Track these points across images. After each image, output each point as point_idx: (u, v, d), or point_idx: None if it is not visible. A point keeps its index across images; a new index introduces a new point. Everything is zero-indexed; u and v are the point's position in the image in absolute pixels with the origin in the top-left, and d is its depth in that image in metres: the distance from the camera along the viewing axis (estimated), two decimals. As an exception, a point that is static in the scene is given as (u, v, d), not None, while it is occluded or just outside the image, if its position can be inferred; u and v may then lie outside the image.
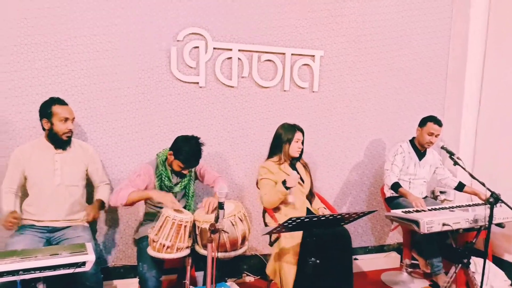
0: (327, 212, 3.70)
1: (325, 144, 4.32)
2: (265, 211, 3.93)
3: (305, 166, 3.86)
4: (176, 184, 3.52)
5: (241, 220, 3.09)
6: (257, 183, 3.77)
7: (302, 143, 3.62)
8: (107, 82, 3.56)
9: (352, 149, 4.51)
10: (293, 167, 3.80)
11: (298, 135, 3.66)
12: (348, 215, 3.01)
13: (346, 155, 4.52)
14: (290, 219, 2.81)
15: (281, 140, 3.74)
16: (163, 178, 3.41)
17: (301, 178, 3.71)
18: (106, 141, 3.89)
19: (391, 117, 4.48)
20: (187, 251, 3.01)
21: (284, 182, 3.42)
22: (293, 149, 3.65)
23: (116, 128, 3.88)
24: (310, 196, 3.86)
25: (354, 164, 4.49)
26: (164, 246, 2.91)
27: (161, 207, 3.43)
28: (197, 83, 3.96)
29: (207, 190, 4.29)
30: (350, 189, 4.55)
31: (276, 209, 3.70)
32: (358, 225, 4.62)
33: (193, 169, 3.54)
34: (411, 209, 3.80)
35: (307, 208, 3.67)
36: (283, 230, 2.92)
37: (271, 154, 3.81)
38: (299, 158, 3.80)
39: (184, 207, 3.58)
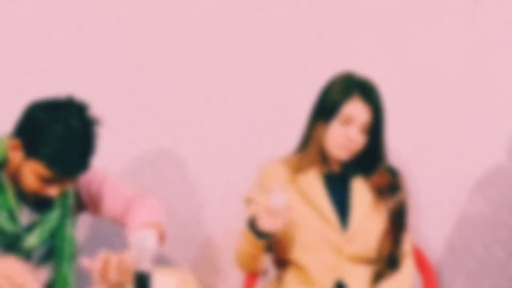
0: None
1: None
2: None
3: (382, 187, 2.35)
4: (30, 227, 2.20)
5: None
6: None
7: (375, 130, 2.24)
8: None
9: (479, 147, 3.07)
10: (333, 181, 2.32)
11: (355, 106, 2.21)
12: None
13: (467, 157, 3.06)
14: None
15: (315, 115, 2.33)
16: None
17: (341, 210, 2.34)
18: None
19: None
20: None
21: (250, 221, 2.16)
22: (337, 140, 2.22)
23: None
24: (381, 264, 2.36)
25: (478, 177, 3.03)
26: None
27: None
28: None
29: (112, 240, 2.83)
30: (464, 235, 3.10)
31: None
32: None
33: (71, 188, 2.27)
34: None
35: (339, 284, 2.28)
36: None
37: (301, 147, 2.39)
38: (362, 166, 2.34)
39: (51, 286, 2.28)
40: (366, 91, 2.18)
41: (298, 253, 2.19)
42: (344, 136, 2.13)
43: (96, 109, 2.17)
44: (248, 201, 2.25)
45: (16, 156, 2.04)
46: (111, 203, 2.29)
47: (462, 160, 2.86)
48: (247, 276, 2.39)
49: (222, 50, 2.83)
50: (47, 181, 2.03)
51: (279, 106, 2.81)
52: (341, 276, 2.17)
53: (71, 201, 2.21)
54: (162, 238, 2.05)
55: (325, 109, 2.19)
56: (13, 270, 2.00)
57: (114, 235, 2.77)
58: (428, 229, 2.78)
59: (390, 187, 2.28)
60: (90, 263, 2.02)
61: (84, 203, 2.29)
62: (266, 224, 2.05)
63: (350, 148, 2.16)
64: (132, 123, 2.84)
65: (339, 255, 2.17)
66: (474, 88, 2.86)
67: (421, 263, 2.44)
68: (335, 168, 2.24)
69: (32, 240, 2.14)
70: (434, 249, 2.87)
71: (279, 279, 2.28)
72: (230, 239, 2.43)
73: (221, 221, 2.85)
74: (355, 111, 2.15)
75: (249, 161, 2.69)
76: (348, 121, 2.14)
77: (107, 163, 2.27)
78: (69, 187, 2.18)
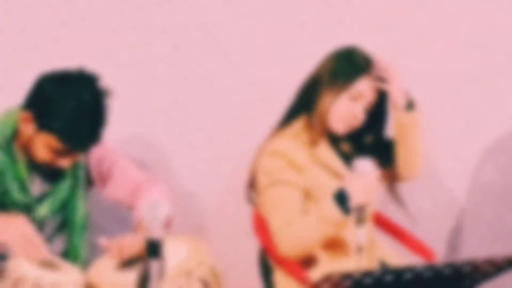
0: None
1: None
2: (271, 262, 2.46)
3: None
4: (41, 198, 2.24)
5: (205, 285, 2.09)
6: (251, 191, 2.43)
7: (380, 112, 2.30)
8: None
9: (489, 116, 3.09)
10: (339, 149, 2.36)
11: (366, 85, 2.22)
12: (467, 269, 1.92)
13: (478, 126, 3.07)
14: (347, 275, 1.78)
15: (317, 85, 2.28)
16: (7, 184, 2.20)
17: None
18: None
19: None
20: None
21: (340, 195, 2.13)
22: (341, 113, 2.23)
23: None
24: None
25: (488, 145, 3.05)
26: None
27: (3, 258, 2.18)
28: None
29: (124, 212, 2.72)
30: (475, 202, 3.14)
31: (308, 262, 2.30)
32: None
33: (82, 160, 2.31)
34: None
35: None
36: None
37: (288, 117, 2.38)
38: (364, 147, 2.40)
39: (64, 255, 2.33)
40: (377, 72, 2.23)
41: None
42: (349, 111, 2.17)
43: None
44: (282, 183, 2.22)
45: (28, 129, 2.09)
46: (120, 184, 2.35)
47: (473, 129, 2.89)
48: (299, 266, 2.25)
49: (208, 42, 2.84)
50: (59, 153, 2.08)
51: (266, 95, 2.81)
52: (380, 256, 2.27)
53: (82, 173, 2.28)
54: (169, 223, 2.10)
55: (338, 80, 2.21)
56: (22, 232, 2.09)
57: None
58: (441, 195, 2.81)
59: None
60: (107, 243, 2.13)
61: (93, 179, 2.36)
62: (359, 196, 2.11)
63: (351, 124, 2.20)
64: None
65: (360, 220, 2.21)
66: (483, 58, 2.87)
67: (402, 236, 2.46)
68: (338, 136, 2.29)
69: (43, 210, 2.21)
70: (447, 215, 2.92)
71: (313, 262, 2.30)
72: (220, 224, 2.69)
73: (212, 209, 2.94)
74: (367, 88, 2.19)
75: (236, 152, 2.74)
76: (357, 97, 2.17)
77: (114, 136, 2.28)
78: (81, 159, 2.25)
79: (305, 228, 2.16)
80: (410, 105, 2.14)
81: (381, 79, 2.22)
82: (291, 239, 2.17)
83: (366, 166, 2.12)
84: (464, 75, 2.84)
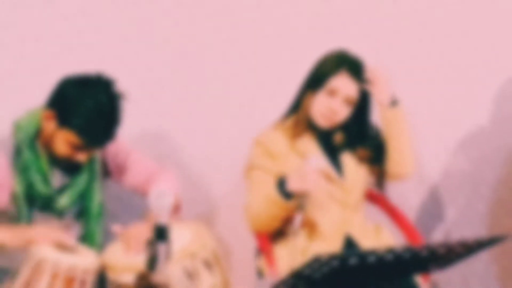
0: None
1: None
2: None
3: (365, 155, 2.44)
4: (62, 190, 2.31)
5: (207, 266, 2.19)
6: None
7: (361, 106, 2.35)
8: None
9: (462, 112, 3.06)
10: (325, 142, 2.41)
11: (341, 80, 2.28)
12: (446, 250, 1.90)
13: (451, 121, 3.07)
14: (313, 261, 1.79)
15: (303, 87, 2.40)
16: (31, 178, 2.27)
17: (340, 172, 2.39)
18: None
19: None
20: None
21: (280, 183, 2.21)
22: (320, 109, 2.30)
23: None
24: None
25: (461, 138, 3.05)
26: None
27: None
28: None
29: (135, 201, 2.77)
30: (448, 190, 3.14)
31: (279, 235, 2.44)
32: (469, 273, 3.15)
33: (98, 155, 2.38)
34: None
35: (348, 239, 2.37)
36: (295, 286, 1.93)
37: (285, 116, 2.47)
38: (352, 140, 2.42)
39: (81, 240, 2.41)
40: (354, 66, 2.28)
41: (310, 212, 2.31)
42: (328, 107, 2.25)
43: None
44: (259, 168, 2.35)
45: (50, 125, 2.17)
46: (135, 173, 2.45)
47: (447, 124, 2.91)
48: (261, 237, 2.43)
49: (211, 27, 2.82)
50: (77, 148, 2.18)
51: (272, 82, 2.82)
52: (349, 231, 2.32)
53: (98, 166, 2.37)
54: (177, 207, 2.18)
55: (314, 80, 2.31)
56: (47, 231, 2.18)
57: (135, 196, 2.77)
58: (416, 184, 2.86)
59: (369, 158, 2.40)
60: (119, 230, 2.23)
61: (110, 171, 2.45)
62: (297, 184, 2.17)
63: (331, 119, 2.28)
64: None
65: (345, 208, 2.32)
66: (455, 56, 2.89)
67: (403, 223, 2.54)
68: (323, 130, 2.33)
69: (64, 201, 2.30)
70: (421, 201, 2.98)
71: (294, 237, 2.37)
72: (227, 206, 2.61)
73: (220, 191, 2.96)
74: (341, 84, 2.25)
75: (241, 131, 2.76)
76: (332, 93, 2.24)
77: (125, 132, 2.31)
78: (97, 154, 2.33)
79: (259, 207, 2.30)
80: (393, 103, 2.20)
81: (366, 80, 2.26)
82: (251, 215, 2.34)
83: (314, 161, 2.21)
84: (439, 72, 2.88)
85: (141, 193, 2.44)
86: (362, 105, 2.34)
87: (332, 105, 2.25)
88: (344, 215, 2.34)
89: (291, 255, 2.37)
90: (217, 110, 2.94)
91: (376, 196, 2.60)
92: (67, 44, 2.75)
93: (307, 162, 2.20)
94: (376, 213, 2.73)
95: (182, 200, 2.35)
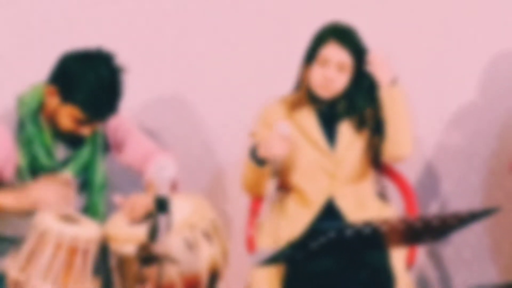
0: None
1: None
2: None
3: (363, 121, 2.42)
4: (65, 162, 2.34)
5: (207, 237, 2.21)
6: None
7: (355, 70, 2.34)
8: None
9: (456, 87, 3.02)
10: (324, 116, 2.43)
11: (330, 49, 2.32)
12: (440, 221, 1.89)
13: (445, 96, 3.05)
14: (311, 232, 2.02)
15: (303, 60, 2.42)
16: (35, 151, 2.26)
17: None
18: None
19: None
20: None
21: (253, 150, 2.29)
22: (316, 80, 2.33)
23: None
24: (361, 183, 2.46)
25: (455, 113, 3.02)
26: (40, 295, 2.12)
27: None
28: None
29: (138, 174, 2.69)
30: (443, 163, 3.10)
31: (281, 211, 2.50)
32: (461, 244, 3.13)
33: (100, 127, 2.37)
34: None
35: (330, 204, 2.39)
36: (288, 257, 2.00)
37: (294, 89, 2.50)
38: (348, 108, 2.41)
39: (85, 211, 2.41)
40: (341, 34, 2.32)
41: (297, 179, 2.38)
42: (322, 76, 2.29)
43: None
44: (253, 135, 2.41)
45: (53, 101, 2.17)
46: (132, 152, 2.45)
47: (441, 98, 2.94)
48: (252, 200, 2.54)
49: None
50: (81, 122, 2.18)
51: (286, 48, 2.78)
52: (332, 195, 2.37)
53: (100, 139, 2.37)
54: (174, 187, 2.17)
55: (308, 54, 2.37)
56: (47, 192, 2.17)
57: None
58: (411, 157, 2.70)
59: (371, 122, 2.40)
60: (121, 200, 2.24)
61: (110, 146, 2.43)
62: (265, 149, 2.22)
63: (328, 87, 2.31)
64: (151, 67, 2.82)
65: (332, 179, 2.36)
66: (449, 31, 2.89)
67: (403, 186, 2.55)
68: (325, 104, 2.37)
69: (67, 172, 2.30)
70: (416, 175, 2.97)
71: (282, 202, 2.47)
72: (239, 169, 2.50)
73: (232, 154, 2.92)
74: (330, 52, 2.29)
75: (255, 102, 2.69)
76: (324, 63, 2.29)
77: (127, 105, 2.32)
78: (99, 127, 2.32)
79: (244, 172, 2.39)
80: (393, 82, 2.22)
81: (367, 61, 2.28)
82: (241, 180, 2.42)
83: (280, 128, 2.25)
84: (432, 46, 2.88)
85: (137, 171, 2.48)
86: (361, 71, 2.36)
87: (326, 74, 2.28)
88: (331, 186, 2.38)
89: (277, 221, 2.46)
90: (232, 77, 2.93)
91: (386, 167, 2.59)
92: (69, 18, 2.73)
93: (274, 129, 2.25)
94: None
95: (181, 178, 2.35)
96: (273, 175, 2.38)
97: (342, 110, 2.40)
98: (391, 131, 2.31)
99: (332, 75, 2.30)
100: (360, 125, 2.42)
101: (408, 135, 2.36)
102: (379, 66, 2.28)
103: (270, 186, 2.52)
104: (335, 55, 2.31)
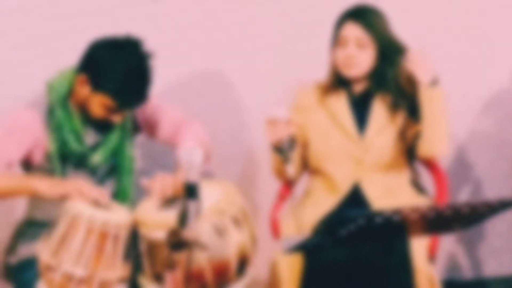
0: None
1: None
2: None
3: (396, 101, 2.36)
4: (95, 147, 2.36)
5: (236, 223, 2.17)
6: None
7: (377, 46, 2.31)
8: None
9: (488, 73, 2.97)
10: (357, 101, 2.40)
11: (347, 28, 2.33)
12: (470, 209, 1.86)
13: (476, 82, 3.00)
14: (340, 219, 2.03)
15: (330, 45, 2.42)
16: (65, 136, 2.30)
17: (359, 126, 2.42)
18: None
19: None
20: (122, 289, 2.22)
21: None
22: (340, 61, 2.33)
23: None
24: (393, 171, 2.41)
25: (485, 99, 3.01)
26: (72, 279, 2.11)
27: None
28: None
29: (166, 159, 2.77)
30: (473, 151, 3.06)
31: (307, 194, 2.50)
32: (491, 232, 3.09)
33: (129, 114, 2.38)
34: None
35: (356, 190, 2.37)
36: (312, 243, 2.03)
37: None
38: (379, 83, 2.37)
39: (114, 196, 2.41)
40: (357, 13, 2.34)
41: (324, 164, 2.38)
42: (344, 55, 2.31)
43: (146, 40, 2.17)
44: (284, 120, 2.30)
45: (84, 90, 2.19)
46: (163, 126, 2.43)
47: (471, 84, 2.91)
48: (282, 185, 2.54)
49: None
50: (111, 110, 2.19)
51: (321, 32, 2.67)
52: (358, 181, 2.36)
53: (129, 124, 2.37)
54: (207, 156, 2.15)
55: (331, 40, 2.39)
56: (77, 182, 2.17)
57: (166, 153, 2.80)
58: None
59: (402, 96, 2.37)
60: (149, 182, 2.23)
61: (140, 126, 2.44)
62: (268, 136, 2.24)
63: (351, 64, 2.32)
64: (179, 50, 2.80)
65: (359, 165, 2.35)
66: (481, 18, 2.87)
67: (436, 173, 2.53)
68: (359, 88, 2.37)
69: (97, 158, 2.31)
70: (446, 162, 2.89)
71: (309, 188, 2.48)
72: (268, 155, 2.47)
73: (260, 139, 2.82)
74: (348, 31, 2.32)
75: (284, 87, 2.69)
76: (344, 43, 2.31)
77: (156, 87, 2.31)
78: (128, 115, 2.32)
79: (271, 158, 2.38)
80: (433, 82, 2.19)
81: (408, 62, 2.25)
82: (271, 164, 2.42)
83: (276, 112, 2.24)
84: (463, 32, 2.86)
85: (170, 144, 2.46)
86: (377, 42, 2.33)
87: (347, 52, 2.29)
88: (358, 172, 2.37)
89: (302, 206, 2.47)
90: (262, 62, 2.91)
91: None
92: (99, 5, 2.72)
93: (270, 115, 2.24)
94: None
95: (212, 149, 2.36)
96: (291, 162, 2.31)
97: (374, 87, 2.39)
98: (427, 130, 2.29)
99: (352, 52, 2.30)
100: (394, 102, 2.39)
101: (445, 135, 2.33)
102: (419, 65, 2.25)
103: (301, 172, 2.49)
104: (352, 33, 2.32)
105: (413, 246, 2.24)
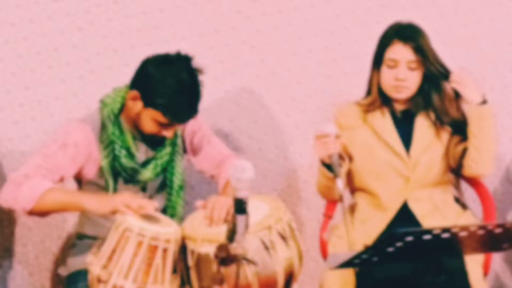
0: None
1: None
2: None
3: (440, 118, 2.34)
4: (146, 162, 2.36)
5: (283, 239, 2.16)
6: None
7: (424, 65, 2.27)
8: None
9: None
10: (400, 118, 2.38)
11: (396, 49, 2.27)
12: (509, 229, 1.81)
13: None
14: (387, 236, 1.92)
15: (372, 66, 2.38)
16: (117, 151, 2.31)
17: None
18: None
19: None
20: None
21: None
22: (388, 83, 2.29)
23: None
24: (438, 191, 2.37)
25: None
26: (122, 291, 2.12)
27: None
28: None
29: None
30: None
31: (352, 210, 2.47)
32: None
33: (179, 131, 2.38)
34: None
35: (404, 208, 2.33)
36: (361, 261, 1.94)
37: (366, 92, 2.45)
38: (423, 104, 2.35)
39: (163, 212, 2.39)
40: (403, 33, 2.28)
41: (370, 182, 2.35)
42: (393, 78, 2.26)
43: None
44: (325, 137, 2.28)
45: (136, 106, 2.21)
46: (208, 156, 2.46)
47: None
48: (327, 204, 2.51)
49: None
50: (163, 125, 2.20)
51: (360, 51, 2.73)
52: (406, 199, 2.32)
53: (180, 140, 2.39)
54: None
55: (375, 59, 2.34)
56: (125, 197, 2.14)
57: None
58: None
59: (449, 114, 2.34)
60: (202, 204, 2.20)
61: (186, 148, 2.45)
62: (317, 151, 2.21)
63: (401, 87, 2.28)
64: (227, 67, 2.82)
65: (407, 182, 2.31)
66: None
67: (481, 192, 2.49)
68: (401, 107, 2.34)
69: (147, 173, 2.32)
70: (495, 181, 2.89)
71: (355, 205, 2.44)
72: (312, 172, 2.48)
73: (305, 156, 2.87)
74: (396, 53, 2.26)
75: (329, 105, 2.72)
76: (393, 64, 2.26)
77: (205, 103, 2.32)
78: (179, 129, 2.34)
79: (318, 176, 2.36)
80: (483, 100, 2.17)
81: (454, 83, 2.24)
82: (316, 183, 2.40)
83: (325, 128, 2.22)
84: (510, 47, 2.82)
85: (208, 177, 2.46)
86: (430, 65, 2.30)
87: (397, 75, 2.25)
88: (406, 190, 2.33)
89: (350, 224, 2.40)
90: (305, 79, 2.89)
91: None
92: (150, 23, 2.75)
93: (321, 129, 2.22)
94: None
95: (255, 181, 2.18)
96: (340, 178, 2.28)
97: (417, 107, 2.35)
98: (474, 149, 2.26)
99: (403, 75, 2.27)
100: (438, 119, 2.35)
101: (492, 155, 2.30)
102: (465, 85, 2.22)
103: (345, 190, 2.42)
104: (402, 54, 2.27)
105: (467, 264, 2.20)
